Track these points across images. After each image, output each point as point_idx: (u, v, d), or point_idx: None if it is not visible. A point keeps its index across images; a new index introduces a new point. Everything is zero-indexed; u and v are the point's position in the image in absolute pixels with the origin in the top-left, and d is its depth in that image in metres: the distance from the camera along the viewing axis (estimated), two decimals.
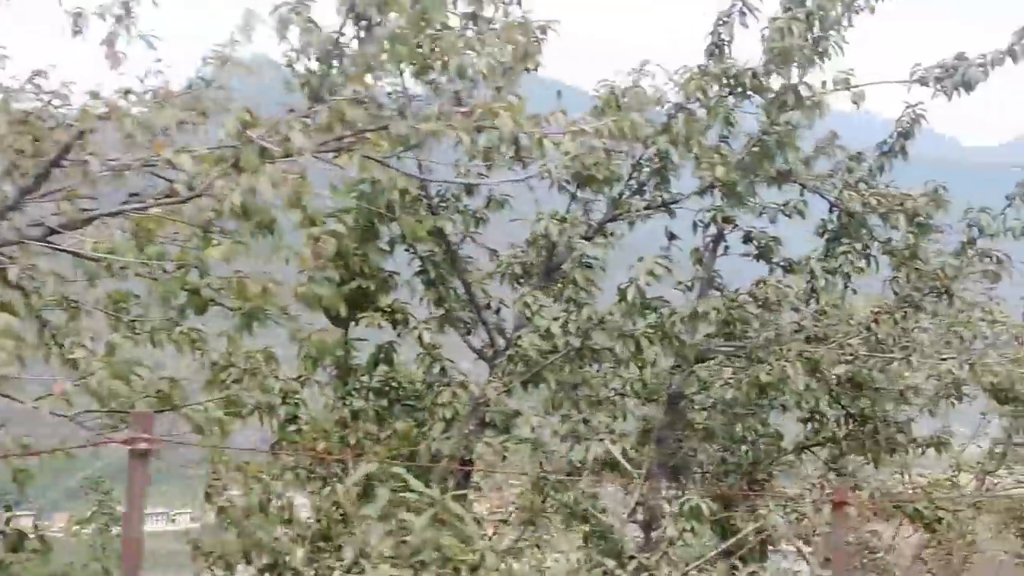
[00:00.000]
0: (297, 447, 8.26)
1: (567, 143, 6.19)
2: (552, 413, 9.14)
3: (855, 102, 8.74)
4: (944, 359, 8.70)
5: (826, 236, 9.37)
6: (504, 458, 7.56)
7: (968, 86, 8.57)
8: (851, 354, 8.66)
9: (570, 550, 9.66)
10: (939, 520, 9.70)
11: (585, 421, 9.16)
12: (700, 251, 8.84)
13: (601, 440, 7.79)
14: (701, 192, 8.27)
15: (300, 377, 8.50)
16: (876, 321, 8.78)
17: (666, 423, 8.63)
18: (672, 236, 9.02)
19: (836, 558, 6.49)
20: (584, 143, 6.78)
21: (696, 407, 8.76)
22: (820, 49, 8.14)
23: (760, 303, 9.01)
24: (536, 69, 8.86)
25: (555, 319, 7.74)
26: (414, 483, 6.26)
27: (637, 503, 8.37)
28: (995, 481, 13.60)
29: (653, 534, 7.61)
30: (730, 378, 8.57)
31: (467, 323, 8.45)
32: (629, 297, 7.46)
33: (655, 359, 8.10)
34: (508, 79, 8.77)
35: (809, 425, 10.00)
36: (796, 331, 9.10)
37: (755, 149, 7.95)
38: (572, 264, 7.87)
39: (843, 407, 9.83)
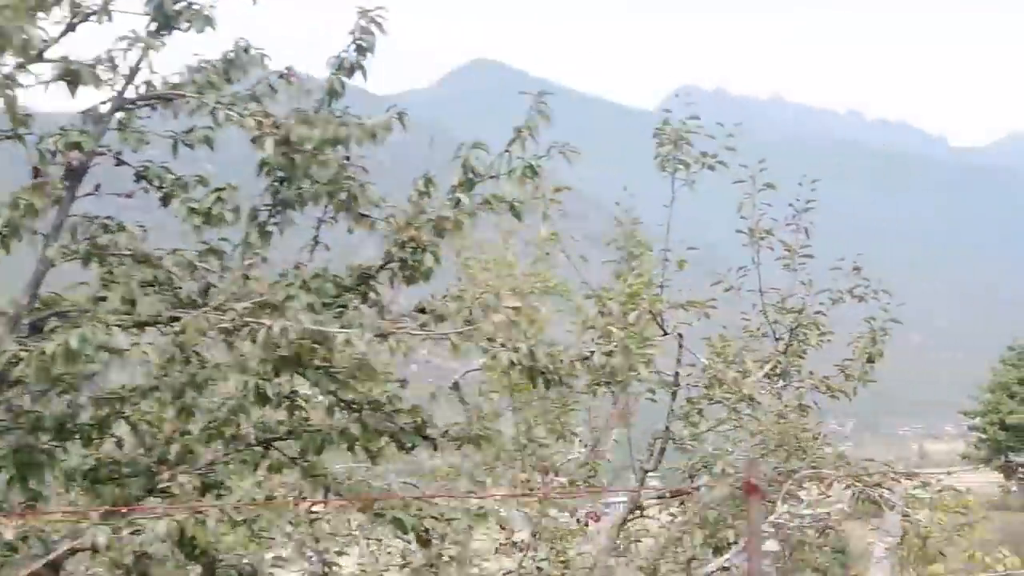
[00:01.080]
0: None
1: None
2: None
3: None
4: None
5: (271, 175, 7.40)
6: None
7: None
8: (230, 319, 6.65)
9: None
10: (426, 531, 7.76)
11: None
12: (47, 187, 6.77)
13: None
14: None
15: None
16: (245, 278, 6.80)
17: None
18: (38, 171, 6.95)
19: None
20: None
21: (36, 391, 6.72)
22: None
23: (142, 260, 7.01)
24: None
25: None
26: None
27: None
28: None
29: None
30: (23, 350, 6.43)
31: None
32: None
33: None
34: None
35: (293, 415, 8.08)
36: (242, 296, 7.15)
37: None
38: None
39: (332, 392, 7.93)
